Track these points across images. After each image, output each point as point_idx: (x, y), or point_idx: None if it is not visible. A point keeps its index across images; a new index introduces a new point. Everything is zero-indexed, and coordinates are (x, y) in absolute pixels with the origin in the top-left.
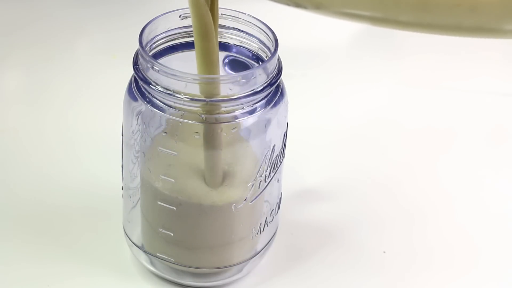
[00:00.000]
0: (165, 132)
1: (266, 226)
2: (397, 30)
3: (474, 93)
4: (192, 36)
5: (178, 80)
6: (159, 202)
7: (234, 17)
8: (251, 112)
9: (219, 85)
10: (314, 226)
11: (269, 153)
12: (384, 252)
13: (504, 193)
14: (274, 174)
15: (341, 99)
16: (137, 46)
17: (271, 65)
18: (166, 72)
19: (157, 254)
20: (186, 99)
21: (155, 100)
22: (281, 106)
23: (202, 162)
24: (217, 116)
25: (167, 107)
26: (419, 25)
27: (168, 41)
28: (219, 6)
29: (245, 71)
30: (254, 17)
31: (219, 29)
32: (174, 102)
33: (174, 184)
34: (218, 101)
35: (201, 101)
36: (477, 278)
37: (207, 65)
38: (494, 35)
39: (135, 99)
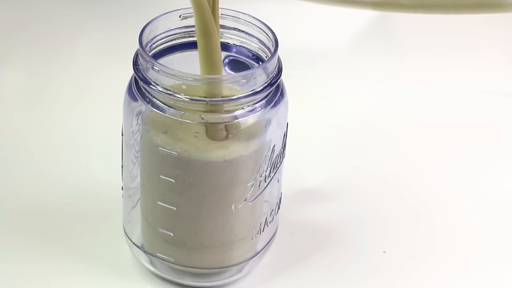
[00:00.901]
0: (165, 132)
1: (266, 226)
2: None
3: (475, 93)
4: (192, 36)
5: (178, 80)
6: (159, 202)
7: (234, 17)
8: (251, 112)
9: (219, 85)
10: (314, 226)
11: (269, 153)
12: (384, 252)
13: (505, 192)
14: (274, 174)
15: (341, 99)
16: (137, 46)
17: (271, 65)
18: (166, 72)
19: (157, 254)
20: (186, 99)
21: (155, 100)
22: (281, 106)
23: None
24: (217, 116)
25: (167, 107)
26: (421, 6)
27: (168, 41)
28: (220, 6)
29: (245, 71)
30: (254, 17)
31: (219, 29)
32: (174, 102)
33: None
34: (218, 101)
35: (201, 101)
36: (480, 278)
37: (210, 65)
38: (496, 10)
39: (135, 99)
